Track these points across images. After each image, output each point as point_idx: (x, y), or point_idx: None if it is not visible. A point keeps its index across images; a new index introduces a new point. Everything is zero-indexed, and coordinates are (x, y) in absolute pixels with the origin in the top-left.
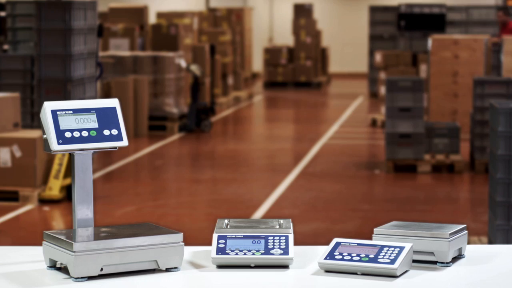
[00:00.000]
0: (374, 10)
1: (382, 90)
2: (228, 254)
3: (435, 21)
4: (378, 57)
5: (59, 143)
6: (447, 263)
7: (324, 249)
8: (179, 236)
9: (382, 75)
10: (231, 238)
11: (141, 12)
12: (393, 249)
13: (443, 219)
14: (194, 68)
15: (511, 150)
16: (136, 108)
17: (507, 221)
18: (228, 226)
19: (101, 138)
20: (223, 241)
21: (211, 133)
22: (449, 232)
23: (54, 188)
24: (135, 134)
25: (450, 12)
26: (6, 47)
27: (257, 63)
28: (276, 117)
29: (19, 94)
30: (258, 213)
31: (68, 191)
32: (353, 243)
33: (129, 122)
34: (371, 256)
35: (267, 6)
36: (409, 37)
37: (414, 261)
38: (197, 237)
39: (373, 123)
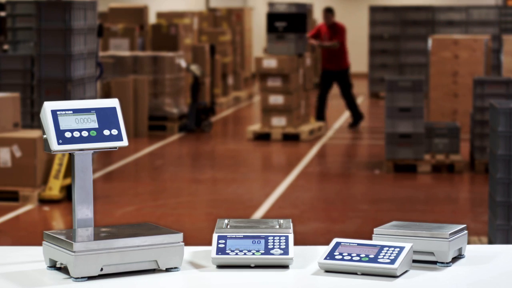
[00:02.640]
0: (374, 10)
1: (272, 99)
2: (228, 254)
3: (295, 21)
4: (272, 62)
5: (59, 143)
6: (447, 263)
7: (324, 249)
8: (179, 236)
9: (272, 81)
10: (231, 238)
11: (141, 12)
12: (393, 249)
13: (443, 219)
14: (194, 68)
15: (511, 150)
16: (136, 108)
17: (507, 221)
18: (228, 226)
19: (101, 138)
20: (223, 241)
21: (211, 133)
22: (449, 232)
23: (54, 188)
24: (135, 134)
25: (450, 12)
26: (6, 47)
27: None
28: None
29: (19, 94)
30: (258, 213)
31: (68, 191)
32: (353, 243)
33: (129, 122)
34: (371, 256)
35: (267, 6)
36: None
37: (414, 261)
38: (197, 237)
39: (255, 136)
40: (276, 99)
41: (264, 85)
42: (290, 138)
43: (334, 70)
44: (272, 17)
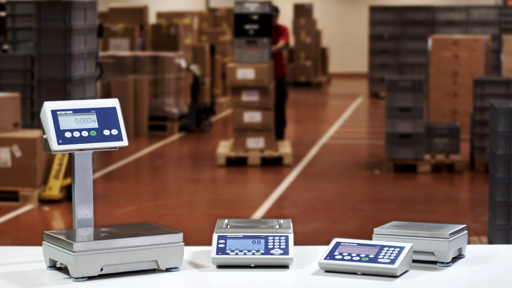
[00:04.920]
0: (374, 10)
1: (248, 116)
2: (228, 254)
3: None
4: (249, 72)
5: (59, 143)
6: (447, 263)
7: (324, 249)
8: (179, 236)
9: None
10: (231, 238)
11: (141, 12)
12: (393, 249)
13: (443, 219)
14: (194, 68)
15: (511, 150)
16: (136, 108)
17: (507, 221)
18: (228, 226)
19: (101, 138)
20: (223, 241)
21: (211, 133)
22: (449, 232)
23: (54, 188)
24: (135, 134)
25: (450, 12)
26: (6, 47)
27: None
28: None
29: (19, 94)
30: (258, 213)
31: (68, 191)
32: (353, 243)
33: (129, 122)
34: (371, 256)
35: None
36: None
37: (414, 261)
38: (197, 237)
39: (228, 162)
40: (253, 117)
41: (237, 100)
42: (269, 162)
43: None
44: (241, 19)
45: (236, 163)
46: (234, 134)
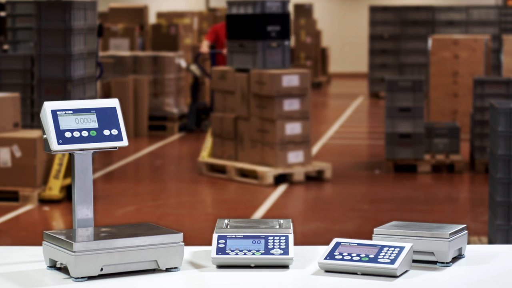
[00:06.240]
0: (374, 10)
1: (289, 128)
2: (228, 254)
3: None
4: (294, 79)
5: (59, 143)
6: (447, 263)
7: (324, 249)
8: (179, 236)
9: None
10: (231, 238)
11: (141, 12)
12: (393, 249)
13: (443, 219)
14: (194, 68)
15: (511, 150)
16: (136, 108)
17: (507, 221)
18: (228, 226)
19: (101, 138)
20: (223, 241)
21: None
22: (449, 232)
23: (54, 188)
24: (135, 134)
25: (450, 12)
26: (6, 47)
27: None
28: None
29: (19, 94)
30: (258, 213)
31: (68, 191)
32: (353, 243)
33: (129, 122)
34: (371, 256)
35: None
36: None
37: (414, 261)
38: (197, 237)
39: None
40: (294, 128)
41: (280, 111)
42: (313, 179)
43: None
44: (262, 19)
45: (280, 180)
46: (275, 148)
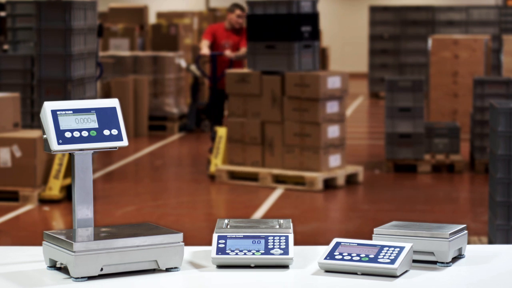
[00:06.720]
0: (374, 10)
1: (331, 131)
2: (228, 254)
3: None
4: (336, 81)
5: (59, 143)
6: (447, 263)
7: (324, 249)
8: (179, 236)
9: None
10: (231, 238)
11: (141, 12)
12: (393, 249)
13: (443, 219)
14: (194, 68)
15: (511, 150)
16: (136, 108)
17: (507, 221)
18: (228, 226)
19: (101, 138)
20: (223, 241)
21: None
22: (449, 232)
23: (54, 188)
24: (135, 134)
25: (450, 12)
26: (6, 47)
27: None
28: None
29: (19, 94)
30: (258, 213)
31: (68, 191)
32: (353, 243)
33: (129, 122)
34: (371, 256)
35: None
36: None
37: (414, 261)
38: (197, 237)
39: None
40: (334, 131)
41: (323, 114)
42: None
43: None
44: (297, 20)
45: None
46: (319, 152)
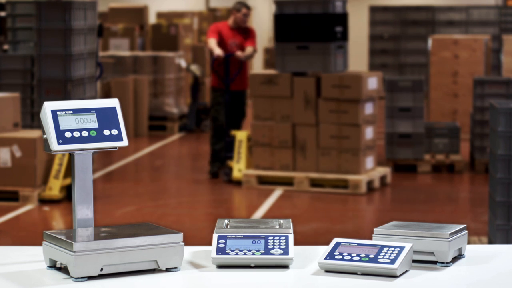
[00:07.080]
0: (374, 10)
1: (368, 132)
2: (228, 254)
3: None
4: (373, 82)
5: (59, 143)
6: (447, 263)
7: (324, 249)
8: (179, 236)
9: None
10: (231, 238)
11: (141, 12)
12: (393, 249)
13: (443, 219)
14: (194, 68)
15: (511, 150)
16: (136, 108)
17: (507, 221)
18: (228, 226)
19: (101, 138)
20: (223, 241)
21: None
22: (449, 232)
23: (54, 188)
24: (135, 134)
25: (450, 12)
26: (6, 47)
27: (257, 63)
28: None
29: (19, 94)
30: (258, 213)
31: (68, 191)
32: (353, 243)
33: (129, 122)
34: (371, 256)
35: (267, 6)
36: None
37: (414, 261)
38: (197, 237)
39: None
40: (369, 133)
41: (363, 115)
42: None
43: (238, 90)
44: (331, 20)
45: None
46: (359, 154)
